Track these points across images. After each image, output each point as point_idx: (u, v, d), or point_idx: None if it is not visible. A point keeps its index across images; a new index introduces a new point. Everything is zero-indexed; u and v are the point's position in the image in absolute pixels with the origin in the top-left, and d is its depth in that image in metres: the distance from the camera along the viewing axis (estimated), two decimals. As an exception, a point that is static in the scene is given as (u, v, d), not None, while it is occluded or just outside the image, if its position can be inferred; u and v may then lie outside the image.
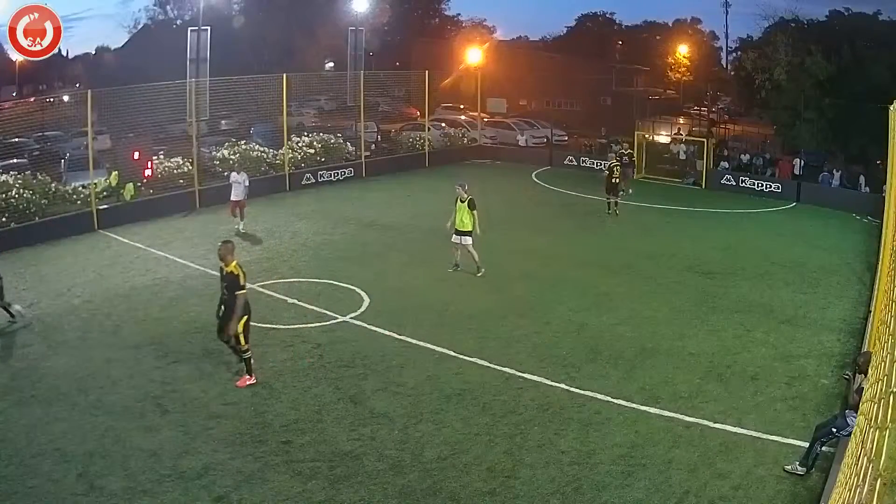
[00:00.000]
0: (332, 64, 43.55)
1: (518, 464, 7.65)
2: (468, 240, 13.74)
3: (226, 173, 19.11)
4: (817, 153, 25.21)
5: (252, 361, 9.37)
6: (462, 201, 13.77)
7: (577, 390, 9.29)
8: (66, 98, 29.55)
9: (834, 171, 23.02)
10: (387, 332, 11.08)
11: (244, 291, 9.14)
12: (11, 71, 40.99)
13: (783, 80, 25.83)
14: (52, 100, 30.67)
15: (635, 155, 24.49)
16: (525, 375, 9.69)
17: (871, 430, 3.59)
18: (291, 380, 9.50)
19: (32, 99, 30.41)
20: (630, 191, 22.15)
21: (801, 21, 29.64)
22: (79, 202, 17.48)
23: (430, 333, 11.00)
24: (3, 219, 15.94)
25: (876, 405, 3.91)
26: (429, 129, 27.94)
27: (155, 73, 21.63)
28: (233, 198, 17.04)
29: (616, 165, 19.75)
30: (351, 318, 11.67)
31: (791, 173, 23.60)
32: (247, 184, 17.15)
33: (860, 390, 6.83)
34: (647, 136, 27.20)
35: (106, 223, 17.08)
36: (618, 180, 19.60)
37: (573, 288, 13.42)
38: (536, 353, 10.41)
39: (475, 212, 13.70)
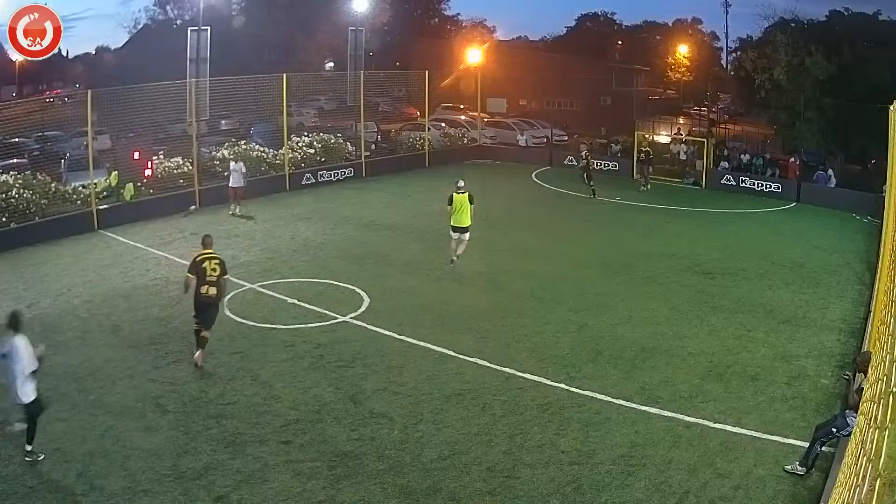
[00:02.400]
0: (332, 64, 43.54)
1: (518, 464, 7.65)
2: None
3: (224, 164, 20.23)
4: (817, 153, 25.21)
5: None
6: (461, 194, 14.16)
7: (577, 390, 9.29)
8: (66, 99, 29.55)
9: (829, 170, 23.10)
10: (387, 332, 11.08)
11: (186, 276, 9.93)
12: (11, 71, 40.96)
13: (783, 80, 25.81)
14: (51, 100, 30.68)
15: (651, 153, 24.81)
16: (525, 375, 9.69)
17: (871, 430, 3.60)
18: (291, 380, 9.50)
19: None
20: (647, 187, 23.43)
21: (801, 21, 29.60)
22: (79, 202, 17.47)
23: (430, 333, 11.00)
24: (3, 219, 15.94)
25: (876, 405, 3.91)
26: (429, 129, 27.93)
27: (155, 73, 21.62)
28: (232, 184, 18.56)
29: (589, 154, 22.57)
30: (351, 318, 11.67)
31: (796, 173, 23.63)
32: (244, 171, 18.81)
33: (860, 390, 6.83)
34: (647, 136, 27.21)
35: (106, 223, 17.08)
36: (588, 166, 22.10)
37: (573, 288, 13.42)
38: (536, 353, 10.41)
39: (448, 206, 14.13)
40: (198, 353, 9.75)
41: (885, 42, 26.80)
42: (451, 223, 14.03)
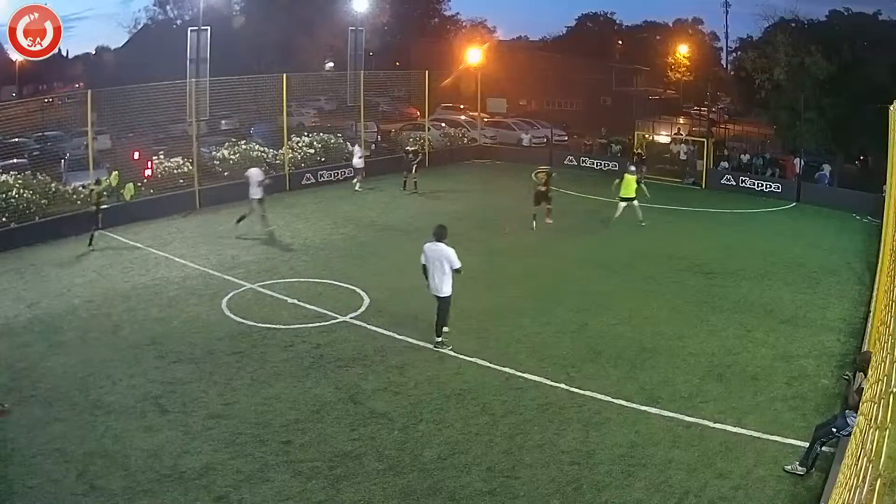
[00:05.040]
0: (332, 64, 43.52)
1: (518, 464, 7.65)
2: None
3: (350, 148, 23.62)
4: (817, 153, 25.24)
5: None
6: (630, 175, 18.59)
7: (577, 390, 9.29)
8: (66, 99, 29.56)
9: (823, 166, 23.15)
10: (387, 332, 11.08)
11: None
12: (11, 71, 40.96)
13: (783, 80, 25.79)
14: (51, 99, 30.67)
15: (644, 155, 24.93)
16: (525, 375, 9.69)
17: (871, 430, 3.60)
18: (291, 380, 9.50)
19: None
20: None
21: (801, 21, 29.56)
22: (79, 202, 17.48)
23: (429, 333, 10.97)
24: (3, 219, 15.94)
25: (876, 405, 3.91)
26: (429, 129, 27.93)
27: (155, 73, 21.63)
28: (357, 166, 22.41)
29: (414, 152, 23.03)
30: (351, 318, 11.67)
31: (795, 173, 23.67)
32: (360, 155, 22.62)
33: (860, 390, 6.83)
34: (646, 135, 27.23)
35: (106, 223, 17.05)
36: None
37: (573, 288, 13.42)
38: (536, 353, 10.41)
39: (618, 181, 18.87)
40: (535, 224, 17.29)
41: (885, 42, 26.74)
42: (619, 195, 18.34)
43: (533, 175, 18.34)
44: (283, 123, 22.38)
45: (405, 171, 22.41)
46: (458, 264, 10.09)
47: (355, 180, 22.53)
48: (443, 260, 10.04)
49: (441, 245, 10.13)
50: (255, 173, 17.03)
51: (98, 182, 16.40)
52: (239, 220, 16.70)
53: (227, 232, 16.79)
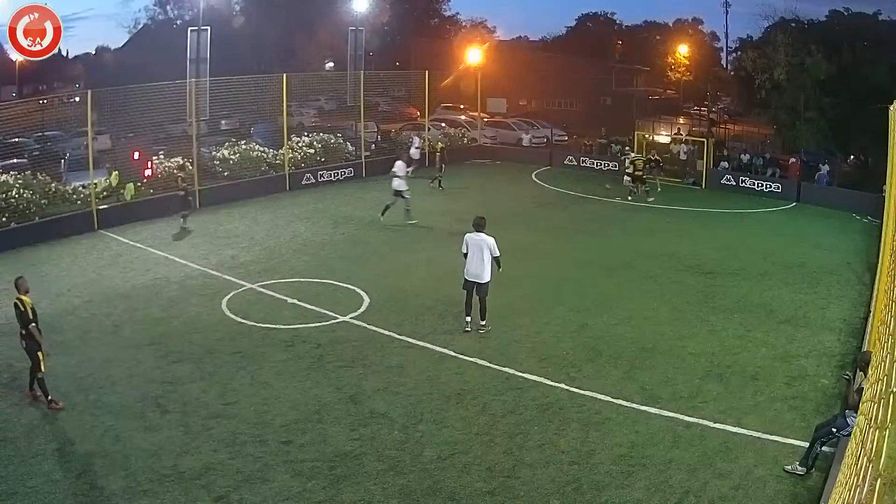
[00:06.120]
0: (332, 64, 43.57)
1: (518, 464, 7.65)
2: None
3: (411, 139, 25.76)
4: (817, 153, 25.25)
5: None
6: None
7: (577, 390, 9.29)
8: (66, 99, 29.57)
9: (821, 166, 23.15)
10: (387, 332, 11.08)
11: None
12: (11, 71, 40.98)
13: (783, 80, 25.81)
14: (50, 100, 30.66)
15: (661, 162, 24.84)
16: (525, 375, 9.69)
17: (871, 430, 3.60)
18: (291, 380, 9.50)
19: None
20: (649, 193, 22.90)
21: (801, 21, 29.60)
22: (79, 202, 17.48)
23: (430, 333, 11.00)
24: (3, 219, 15.94)
25: (876, 405, 3.91)
26: (429, 129, 27.92)
27: (155, 73, 21.64)
28: (414, 157, 23.63)
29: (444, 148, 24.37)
30: (351, 318, 11.67)
31: (797, 173, 23.66)
32: (417, 146, 24.72)
33: (860, 390, 6.84)
34: (647, 135, 27.21)
35: (106, 223, 17.07)
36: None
37: (573, 288, 13.42)
38: (536, 353, 10.41)
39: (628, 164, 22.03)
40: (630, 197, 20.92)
41: (885, 42, 26.78)
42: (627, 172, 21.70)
43: (629, 161, 21.49)
44: (283, 123, 22.38)
45: (443, 168, 23.17)
46: (497, 252, 10.72)
47: (409, 168, 23.12)
48: (483, 248, 10.67)
49: (482, 234, 10.76)
50: (400, 165, 17.98)
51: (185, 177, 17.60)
52: (383, 212, 17.88)
53: (381, 223, 17.73)
